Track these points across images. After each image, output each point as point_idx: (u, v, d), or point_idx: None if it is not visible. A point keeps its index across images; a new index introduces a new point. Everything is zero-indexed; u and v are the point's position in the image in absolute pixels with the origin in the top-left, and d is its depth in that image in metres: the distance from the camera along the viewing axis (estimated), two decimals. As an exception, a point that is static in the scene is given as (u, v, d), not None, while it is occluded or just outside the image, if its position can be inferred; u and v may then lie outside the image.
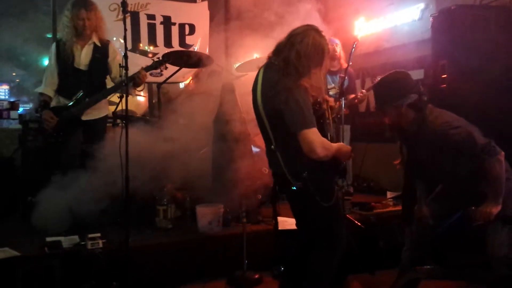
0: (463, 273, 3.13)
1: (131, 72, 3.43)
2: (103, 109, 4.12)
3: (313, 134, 2.45)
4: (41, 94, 4.00)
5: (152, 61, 4.18)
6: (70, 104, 3.92)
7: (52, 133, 3.85)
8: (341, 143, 2.70)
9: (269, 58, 2.70)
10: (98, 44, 4.01)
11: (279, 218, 3.93)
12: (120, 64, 3.34)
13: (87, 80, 3.96)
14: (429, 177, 3.05)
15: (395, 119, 2.92)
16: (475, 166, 2.75)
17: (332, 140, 2.66)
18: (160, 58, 4.05)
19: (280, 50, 2.62)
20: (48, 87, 3.99)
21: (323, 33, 2.64)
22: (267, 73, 2.66)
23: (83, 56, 3.96)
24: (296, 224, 2.94)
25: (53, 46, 4.02)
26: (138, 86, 3.90)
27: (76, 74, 3.95)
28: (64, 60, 3.94)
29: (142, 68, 3.88)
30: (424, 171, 3.03)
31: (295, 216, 2.91)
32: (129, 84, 3.73)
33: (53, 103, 4.00)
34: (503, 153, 2.72)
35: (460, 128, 2.76)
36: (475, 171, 2.77)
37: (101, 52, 4.02)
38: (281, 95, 2.48)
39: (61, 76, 3.97)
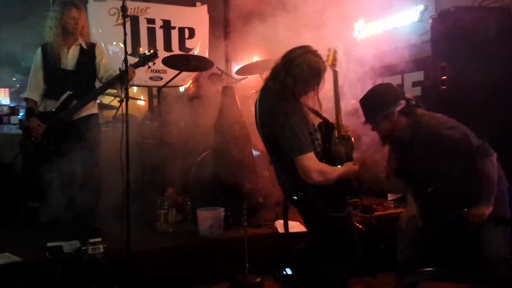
0: (464, 275, 3.12)
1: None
2: (91, 109, 3.93)
3: (308, 160, 2.44)
4: (27, 100, 3.85)
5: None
6: (57, 107, 3.77)
7: (42, 140, 3.70)
8: (348, 164, 2.65)
9: (266, 81, 2.70)
10: (84, 46, 3.90)
11: (279, 222, 3.93)
12: (120, 68, 3.33)
13: (74, 81, 3.82)
14: (421, 181, 3.06)
15: (388, 129, 2.94)
16: (468, 167, 2.78)
17: (341, 161, 2.65)
18: (147, 54, 3.82)
19: (276, 75, 2.61)
20: (33, 91, 3.83)
21: (319, 52, 2.62)
22: (264, 97, 2.67)
23: (70, 57, 3.84)
24: (308, 232, 2.95)
25: (39, 49, 3.87)
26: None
27: (63, 75, 3.81)
28: (50, 62, 3.81)
29: (130, 65, 3.56)
30: (416, 176, 3.04)
31: (306, 227, 2.92)
32: (116, 83, 3.70)
33: (40, 108, 3.86)
34: (495, 154, 2.76)
35: (455, 129, 2.79)
36: (468, 172, 2.79)
37: (88, 54, 3.90)
38: (278, 120, 2.48)
39: (48, 78, 3.83)
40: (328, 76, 2.67)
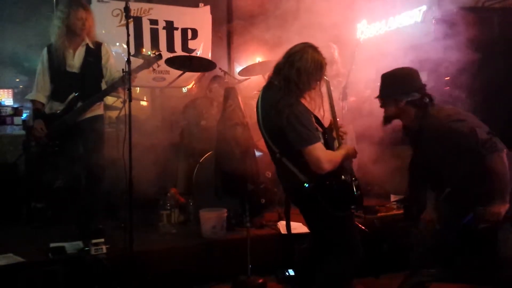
0: (471, 276, 3.10)
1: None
2: (96, 110, 3.91)
3: (317, 150, 2.47)
4: (33, 101, 3.82)
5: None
6: (63, 109, 3.75)
7: (47, 142, 3.69)
8: (344, 146, 2.70)
9: (269, 78, 2.71)
10: (91, 46, 3.86)
11: (281, 223, 3.93)
12: (123, 70, 3.33)
13: (80, 83, 3.79)
14: (435, 178, 3.02)
15: (392, 112, 2.95)
16: (479, 164, 2.69)
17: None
18: (151, 57, 3.79)
19: (279, 70, 2.64)
20: (39, 93, 3.80)
21: (319, 48, 2.66)
22: (267, 93, 2.68)
23: (76, 59, 3.80)
24: (310, 232, 2.94)
25: (44, 50, 3.85)
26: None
27: (69, 78, 3.78)
28: (56, 63, 3.77)
29: (133, 69, 3.52)
30: (429, 171, 2.99)
31: (309, 226, 2.91)
32: (119, 85, 3.69)
33: (46, 110, 3.83)
34: (505, 149, 2.67)
35: (463, 122, 2.73)
36: (480, 169, 2.70)
37: (94, 54, 3.86)
38: (283, 113, 2.49)
39: (53, 80, 3.80)
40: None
